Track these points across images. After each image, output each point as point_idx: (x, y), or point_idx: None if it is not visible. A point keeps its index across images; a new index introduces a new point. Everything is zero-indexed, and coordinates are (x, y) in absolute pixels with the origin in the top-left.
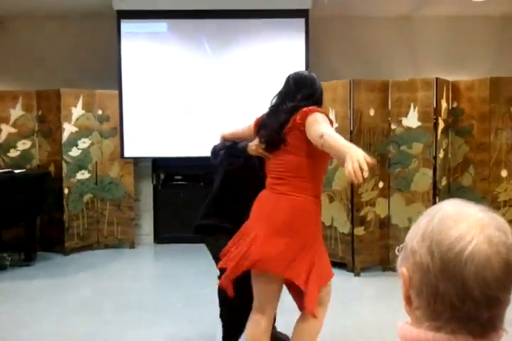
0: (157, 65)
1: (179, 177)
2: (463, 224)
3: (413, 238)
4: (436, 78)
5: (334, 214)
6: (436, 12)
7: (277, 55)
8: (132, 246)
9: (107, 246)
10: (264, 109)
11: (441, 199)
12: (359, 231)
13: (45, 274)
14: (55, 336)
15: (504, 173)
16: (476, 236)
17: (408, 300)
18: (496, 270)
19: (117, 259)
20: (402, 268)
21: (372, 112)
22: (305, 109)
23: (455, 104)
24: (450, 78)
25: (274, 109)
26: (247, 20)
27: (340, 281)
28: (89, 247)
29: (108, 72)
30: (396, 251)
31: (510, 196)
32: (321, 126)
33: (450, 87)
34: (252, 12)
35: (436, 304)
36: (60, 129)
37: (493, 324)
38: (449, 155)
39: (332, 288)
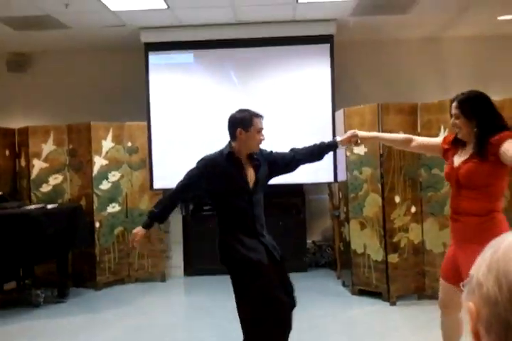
0: (185, 95)
1: (208, 207)
2: None
3: (478, 270)
4: None
5: (366, 241)
6: (463, 32)
7: (304, 81)
8: (163, 279)
9: (137, 280)
10: (290, 136)
11: None
12: (393, 258)
13: (78, 311)
14: None
15: None
16: None
17: (477, 336)
18: None
19: (148, 293)
20: (468, 302)
21: None
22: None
23: None
24: None
25: None
26: (272, 48)
27: (376, 311)
28: (121, 281)
29: (137, 104)
30: (461, 285)
31: None
32: None
33: None
34: (277, 39)
35: (508, 339)
36: (90, 163)
37: None
38: None
39: (368, 319)
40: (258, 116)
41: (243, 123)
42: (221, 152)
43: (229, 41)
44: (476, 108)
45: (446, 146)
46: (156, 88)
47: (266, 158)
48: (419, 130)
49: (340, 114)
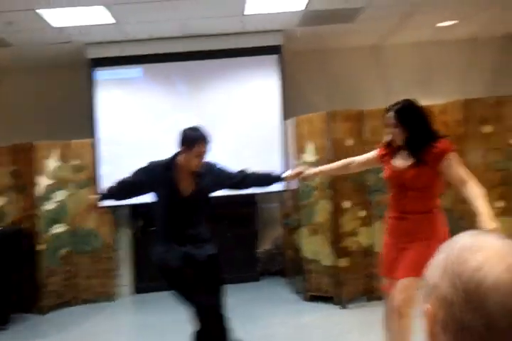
0: (134, 110)
1: None
2: (481, 253)
3: (433, 273)
4: None
5: (317, 247)
6: (404, 39)
7: (253, 91)
8: (112, 298)
9: (85, 301)
10: (241, 146)
11: None
12: (343, 262)
13: (22, 338)
14: None
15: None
16: (496, 264)
17: (433, 337)
18: None
19: (97, 315)
20: (426, 304)
21: (349, 142)
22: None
23: None
24: (423, 103)
25: None
26: (222, 60)
27: (328, 316)
28: (68, 304)
29: (85, 121)
30: (411, 288)
31: None
32: None
33: None
34: (226, 51)
35: (463, 337)
36: (35, 183)
37: None
38: None
39: (321, 324)
40: (202, 141)
41: (187, 143)
42: (166, 160)
43: (178, 54)
44: (411, 116)
45: (383, 152)
46: (104, 104)
47: (213, 172)
48: (366, 136)
49: (290, 123)
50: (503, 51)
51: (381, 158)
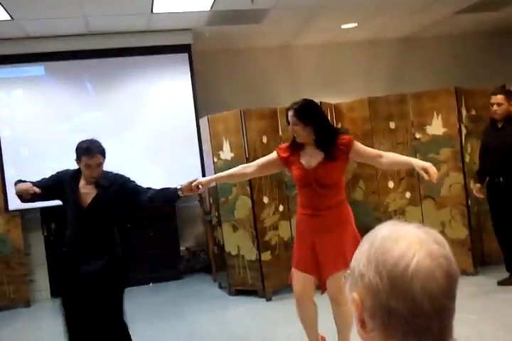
0: (37, 109)
1: None
2: (403, 241)
3: (359, 262)
4: (320, 102)
5: (240, 243)
6: (311, 40)
7: (165, 90)
8: (27, 304)
9: None
10: (156, 146)
11: None
12: (266, 256)
13: None
14: None
15: (391, 184)
16: (417, 251)
17: (362, 324)
18: (440, 281)
19: (13, 321)
20: (353, 293)
21: (265, 139)
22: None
23: (339, 125)
24: (332, 101)
25: None
26: (130, 58)
27: (254, 309)
28: None
29: None
30: (343, 277)
31: (398, 205)
32: None
33: (333, 109)
34: (134, 49)
35: (390, 322)
36: None
37: (443, 335)
38: None
39: (246, 317)
40: (87, 153)
41: (77, 155)
42: (74, 169)
43: (83, 52)
44: (311, 114)
45: (285, 155)
46: (4, 103)
47: (116, 185)
48: (280, 133)
49: (204, 121)
50: (400, 52)
51: (285, 160)
